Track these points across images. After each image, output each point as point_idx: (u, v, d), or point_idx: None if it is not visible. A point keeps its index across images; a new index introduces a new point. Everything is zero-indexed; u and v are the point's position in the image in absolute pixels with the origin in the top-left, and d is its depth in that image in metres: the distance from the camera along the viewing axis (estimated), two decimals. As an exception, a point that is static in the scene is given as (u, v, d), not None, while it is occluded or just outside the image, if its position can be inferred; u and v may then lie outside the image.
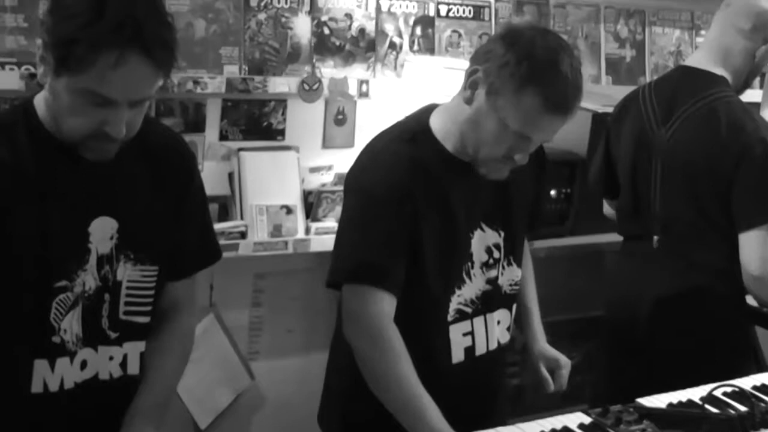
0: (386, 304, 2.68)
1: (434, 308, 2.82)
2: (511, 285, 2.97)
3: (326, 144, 4.53)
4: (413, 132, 2.83)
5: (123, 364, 2.49)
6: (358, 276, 2.70)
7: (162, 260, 2.50)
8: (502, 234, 2.91)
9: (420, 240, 2.74)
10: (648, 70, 5.34)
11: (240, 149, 4.29)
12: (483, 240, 2.87)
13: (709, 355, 3.61)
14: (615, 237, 4.07)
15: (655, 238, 3.73)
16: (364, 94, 4.48)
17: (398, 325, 2.68)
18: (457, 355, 2.88)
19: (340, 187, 4.38)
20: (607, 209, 4.03)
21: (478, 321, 2.91)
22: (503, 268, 2.93)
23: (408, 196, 2.71)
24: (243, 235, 4.16)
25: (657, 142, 3.70)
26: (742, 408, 2.91)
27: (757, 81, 5.23)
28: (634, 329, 3.78)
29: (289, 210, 4.27)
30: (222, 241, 3.74)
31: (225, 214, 4.25)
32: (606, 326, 4.00)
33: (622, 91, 4.09)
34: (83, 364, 2.41)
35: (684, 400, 2.96)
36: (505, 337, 3.01)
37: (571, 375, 4.04)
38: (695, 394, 2.99)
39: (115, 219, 2.39)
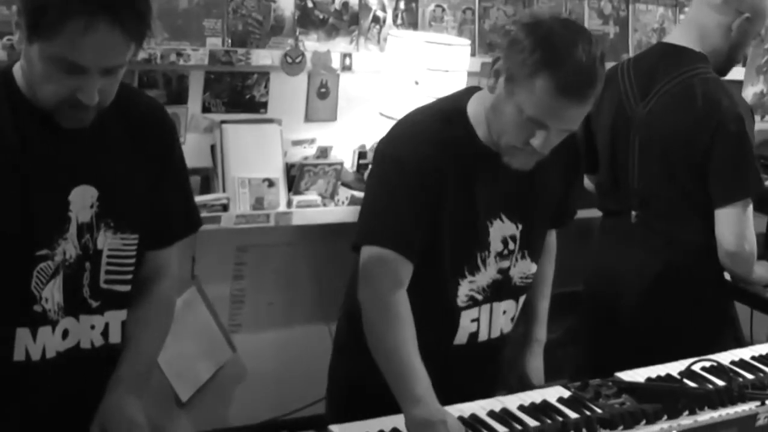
0: (402, 270, 2.70)
1: (444, 290, 2.83)
2: (522, 278, 2.97)
3: (309, 117, 4.54)
4: (449, 113, 2.84)
5: (105, 333, 2.48)
6: (379, 238, 2.72)
7: (142, 228, 2.49)
8: (520, 227, 2.90)
9: (440, 218, 2.75)
10: (631, 47, 5.35)
11: (222, 122, 4.29)
12: (501, 230, 2.87)
13: (687, 330, 3.62)
14: (597, 212, 4.08)
15: (633, 213, 3.74)
16: (347, 68, 4.49)
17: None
18: (461, 339, 2.90)
19: (323, 161, 4.42)
20: (587, 183, 4.04)
21: (485, 309, 2.92)
22: (516, 260, 2.93)
23: (435, 171, 2.73)
24: (225, 207, 4.16)
25: (635, 118, 3.71)
26: (720, 383, 2.93)
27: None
28: (613, 304, 3.79)
29: (271, 183, 4.27)
30: (204, 214, 3.74)
31: (207, 187, 4.25)
32: (585, 301, 4.02)
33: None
34: (65, 333, 2.41)
35: (663, 374, 2.98)
36: (508, 327, 3.01)
37: (552, 349, 4.05)
38: (674, 368, 3.00)
39: (95, 187, 2.38)
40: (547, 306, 3.21)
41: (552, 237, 3.21)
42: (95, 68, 2.18)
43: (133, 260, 2.49)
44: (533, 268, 2.98)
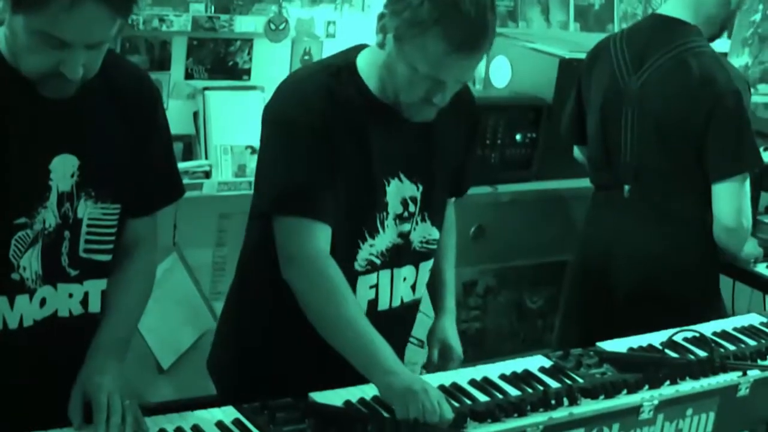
0: (322, 238, 2.61)
1: (342, 254, 2.70)
2: (422, 242, 2.87)
3: (292, 84, 4.51)
4: (337, 68, 2.73)
5: (84, 302, 2.47)
6: (287, 206, 2.62)
7: (124, 198, 2.48)
8: (420, 188, 2.81)
9: (336, 176, 2.65)
10: (616, 18, 5.34)
11: (205, 88, 4.27)
12: (400, 191, 2.78)
13: (679, 305, 3.62)
14: (581, 183, 4.08)
15: (626, 187, 3.73)
16: (330, 35, 4.47)
17: None
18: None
19: (306, 128, 4.39)
20: (578, 153, 4.03)
21: (384, 274, 2.81)
22: (417, 223, 2.83)
23: (326, 124, 2.62)
24: (207, 174, 4.15)
25: (628, 91, 3.69)
26: (702, 353, 2.93)
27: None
28: (605, 277, 3.79)
29: (254, 150, 4.26)
30: (186, 181, 3.71)
31: (189, 154, 4.24)
32: (576, 273, 4.01)
33: (590, 38, 4.09)
34: (42, 302, 2.40)
35: (645, 344, 2.98)
36: (409, 296, 2.90)
37: (533, 319, 4.04)
38: (656, 339, 3.01)
39: (76, 156, 2.36)
40: (454, 275, 3.10)
41: (450, 208, 3.07)
42: (80, 43, 2.16)
43: (113, 230, 2.47)
44: (434, 233, 2.88)
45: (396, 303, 2.85)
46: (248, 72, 4.42)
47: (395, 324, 2.87)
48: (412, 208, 2.80)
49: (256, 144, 4.21)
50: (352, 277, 2.72)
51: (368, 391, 2.57)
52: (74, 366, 2.38)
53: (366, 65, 2.71)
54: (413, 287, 2.89)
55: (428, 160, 2.80)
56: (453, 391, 2.62)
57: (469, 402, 2.58)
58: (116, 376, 2.35)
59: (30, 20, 2.13)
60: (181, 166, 3.76)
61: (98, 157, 2.39)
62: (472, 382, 2.68)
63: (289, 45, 4.45)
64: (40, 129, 2.30)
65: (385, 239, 2.76)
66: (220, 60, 4.34)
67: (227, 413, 2.43)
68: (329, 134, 2.62)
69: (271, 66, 4.46)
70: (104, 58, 2.28)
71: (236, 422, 2.39)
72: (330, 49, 4.52)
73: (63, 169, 2.35)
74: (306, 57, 4.49)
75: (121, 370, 2.40)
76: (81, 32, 2.14)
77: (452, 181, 2.94)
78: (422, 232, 2.84)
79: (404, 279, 2.85)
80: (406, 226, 2.80)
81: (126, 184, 2.46)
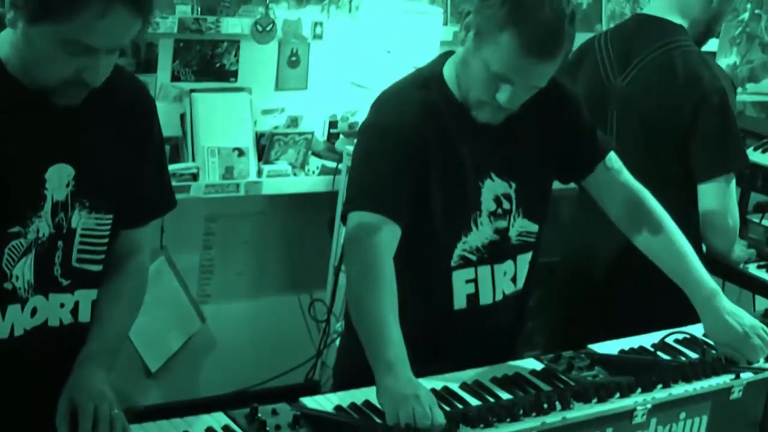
0: (388, 233, 2.67)
1: (439, 253, 2.83)
2: (519, 236, 2.95)
3: (279, 86, 4.52)
4: (427, 78, 2.84)
5: (74, 312, 2.46)
6: (363, 203, 2.69)
7: (117, 209, 2.47)
8: (513, 185, 2.89)
9: (427, 183, 2.75)
10: (604, 17, 5.33)
11: (192, 90, 4.25)
12: (492, 190, 2.85)
13: (664, 305, 3.61)
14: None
15: (609, 188, 3.73)
16: (318, 36, 4.47)
17: (403, 267, 2.68)
18: (459, 302, 2.87)
19: (293, 130, 4.40)
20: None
21: (484, 270, 2.89)
22: (514, 219, 2.91)
23: (416, 137, 2.73)
24: (194, 177, 4.14)
25: (613, 92, 3.69)
26: (694, 355, 2.92)
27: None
28: (591, 278, 3.78)
29: (241, 152, 4.25)
30: (173, 183, 3.71)
31: (176, 156, 4.22)
32: (562, 274, 4.00)
33: (578, 38, 4.06)
34: (33, 311, 2.38)
35: (636, 346, 2.97)
36: (510, 288, 2.97)
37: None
38: (647, 341, 3.00)
39: (72, 166, 2.35)
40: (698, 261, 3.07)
41: (649, 201, 3.14)
42: (104, 49, 2.19)
43: (106, 240, 2.47)
44: (532, 226, 2.96)
45: (498, 297, 2.94)
46: (235, 74, 4.41)
47: (501, 316, 2.98)
48: (506, 205, 2.89)
49: (244, 146, 4.25)
50: (447, 273, 2.83)
51: (359, 396, 2.56)
52: (65, 374, 2.37)
53: (451, 73, 2.82)
54: (513, 279, 2.98)
55: (517, 158, 2.88)
56: (445, 395, 2.60)
57: (460, 406, 2.56)
58: (104, 386, 2.34)
59: (57, 29, 2.13)
60: (168, 168, 3.74)
61: (94, 168, 2.38)
62: (464, 386, 2.66)
63: (276, 46, 4.45)
64: (37, 138, 2.29)
65: (479, 236, 2.86)
66: (207, 62, 4.32)
67: (217, 419, 2.41)
68: (417, 143, 2.73)
69: (258, 68, 4.46)
70: None
71: (226, 429, 2.37)
72: (317, 50, 4.52)
73: (58, 179, 2.34)
74: (293, 58, 4.48)
75: (110, 379, 2.38)
76: (110, 38, 2.17)
77: (571, 167, 3.05)
78: (520, 227, 2.94)
79: (504, 273, 2.95)
80: (502, 223, 2.89)
81: (120, 195, 2.45)
